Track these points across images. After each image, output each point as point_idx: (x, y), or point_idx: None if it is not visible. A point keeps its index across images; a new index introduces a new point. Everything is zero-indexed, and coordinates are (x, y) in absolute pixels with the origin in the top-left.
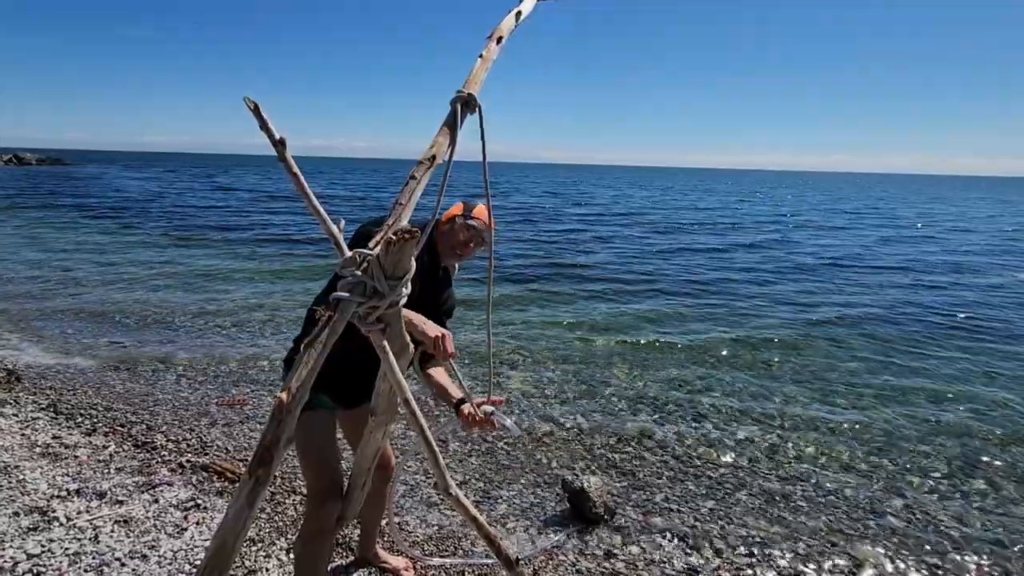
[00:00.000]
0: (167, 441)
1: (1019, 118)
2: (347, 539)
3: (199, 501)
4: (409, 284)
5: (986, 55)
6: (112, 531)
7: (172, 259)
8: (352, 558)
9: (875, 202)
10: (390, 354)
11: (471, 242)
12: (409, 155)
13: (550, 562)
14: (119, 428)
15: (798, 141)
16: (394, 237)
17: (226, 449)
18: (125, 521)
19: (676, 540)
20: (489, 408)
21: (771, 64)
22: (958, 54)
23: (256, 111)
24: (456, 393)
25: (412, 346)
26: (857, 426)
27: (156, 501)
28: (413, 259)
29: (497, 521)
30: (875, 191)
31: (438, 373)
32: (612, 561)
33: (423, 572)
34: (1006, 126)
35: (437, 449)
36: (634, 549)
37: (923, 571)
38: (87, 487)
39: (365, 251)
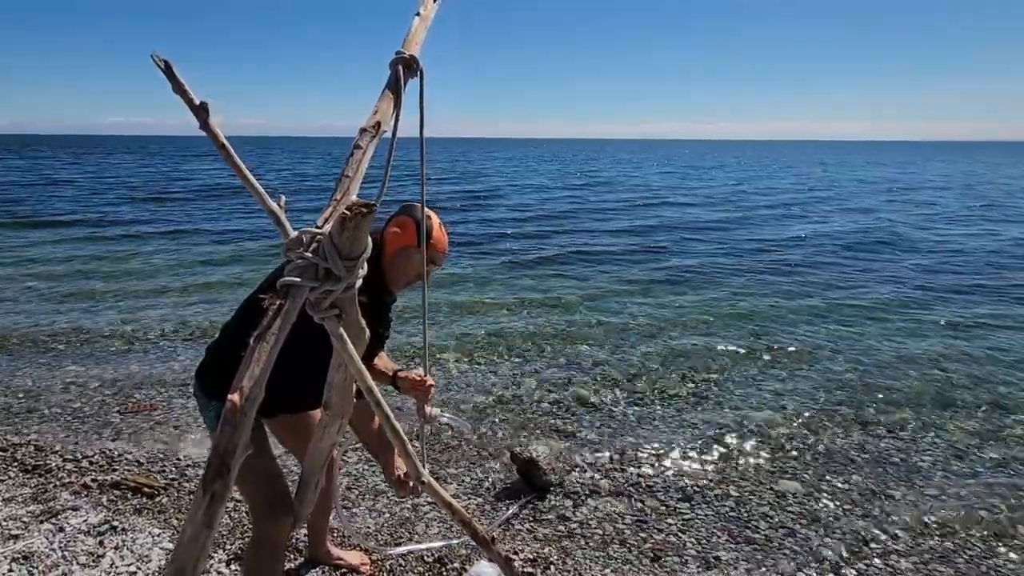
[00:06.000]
0: (64, 461)
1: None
2: (295, 540)
3: (115, 523)
4: (365, 265)
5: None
6: (10, 570)
7: (39, 256)
8: (302, 559)
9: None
10: (348, 343)
11: (430, 273)
12: (307, 133)
13: (507, 533)
14: None
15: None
16: (349, 212)
17: (138, 461)
18: (25, 557)
19: (622, 495)
20: (437, 411)
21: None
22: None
23: (168, 71)
24: (391, 366)
25: (367, 331)
26: (774, 372)
27: (61, 530)
28: (369, 236)
29: None
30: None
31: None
32: (566, 524)
33: (380, 563)
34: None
35: (406, 438)
36: (585, 510)
37: (838, 498)
38: None
39: (313, 229)
